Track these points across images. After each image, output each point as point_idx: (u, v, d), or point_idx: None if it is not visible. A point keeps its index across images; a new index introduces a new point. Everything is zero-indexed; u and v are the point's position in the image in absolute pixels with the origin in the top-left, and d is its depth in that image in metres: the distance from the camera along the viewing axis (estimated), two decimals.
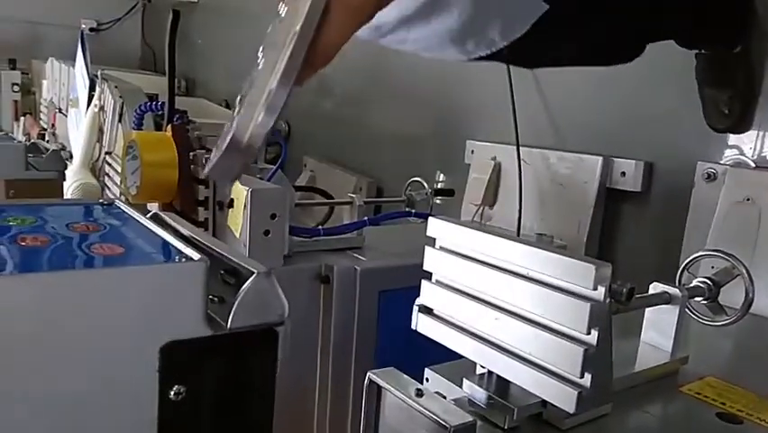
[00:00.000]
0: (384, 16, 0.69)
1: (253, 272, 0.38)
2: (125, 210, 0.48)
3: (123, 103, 1.31)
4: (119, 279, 0.34)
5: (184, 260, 0.37)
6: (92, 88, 1.47)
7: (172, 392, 0.36)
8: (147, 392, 0.35)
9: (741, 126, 1.19)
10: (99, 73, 1.46)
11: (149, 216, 0.46)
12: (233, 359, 0.38)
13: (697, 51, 1.19)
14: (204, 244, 0.42)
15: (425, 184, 1.36)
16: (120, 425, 0.36)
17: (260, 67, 0.41)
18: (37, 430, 0.34)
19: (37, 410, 0.34)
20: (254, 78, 0.42)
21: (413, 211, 1.27)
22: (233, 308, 0.36)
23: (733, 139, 1.20)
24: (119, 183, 1.33)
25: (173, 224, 0.46)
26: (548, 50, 0.90)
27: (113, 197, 1.37)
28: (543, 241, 0.78)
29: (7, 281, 0.32)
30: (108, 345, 0.34)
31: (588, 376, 0.51)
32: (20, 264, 0.35)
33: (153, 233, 0.43)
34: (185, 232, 0.44)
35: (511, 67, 1.59)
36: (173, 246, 0.39)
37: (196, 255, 0.37)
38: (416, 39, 0.75)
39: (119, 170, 1.34)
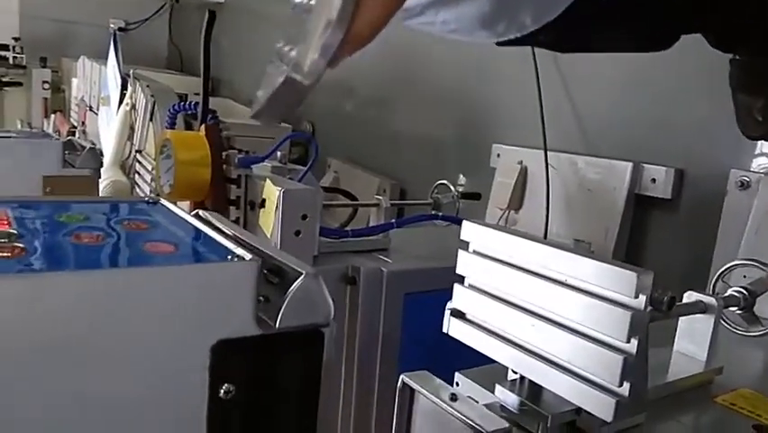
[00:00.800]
0: None
1: (301, 273, 0.38)
2: (171, 208, 0.49)
3: (154, 102, 1.33)
4: (174, 277, 0.35)
5: (236, 259, 0.37)
6: (123, 87, 1.49)
7: (222, 391, 0.36)
8: (197, 391, 0.36)
9: None
10: (131, 72, 1.48)
11: (193, 214, 0.47)
12: (280, 358, 0.38)
13: (731, 57, 1.18)
14: (249, 244, 0.43)
15: (452, 187, 1.36)
16: (170, 423, 0.36)
17: (311, 14, 0.40)
18: (89, 428, 0.35)
19: (91, 408, 0.34)
20: (305, 22, 0.41)
21: (439, 214, 1.27)
22: (282, 308, 0.37)
23: (767, 147, 1.19)
24: (150, 181, 1.35)
25: (217, 223, 0.47)
26: (579, 34, 0.88)
27: (143, 195, 1.38)
28: (581, 247, 0.78)
29: (65, 278, 0.33)
30: (161, 343, 0.35)
31: (626, 385, 0.50)
32: (79, 262, 0.36)
33: (201, 231, 0.43)
34: (230, 231, 0.45)
35: (540, 69, 1.59)
36: (223, 245, 0.40)
37: (247, 255, 0.37)
38: (445, 20, 0.74)
39: (149, 168, 1.36)
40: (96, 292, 0.33)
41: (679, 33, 1.01)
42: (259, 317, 0.38)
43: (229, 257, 0.38)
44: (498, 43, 0.80)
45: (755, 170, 1.16)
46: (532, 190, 1.53)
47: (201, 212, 0.48)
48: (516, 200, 1.55)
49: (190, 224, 0.45)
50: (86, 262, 0.37)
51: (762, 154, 1.19)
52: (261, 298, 0.40)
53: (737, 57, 1.17)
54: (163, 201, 0.51)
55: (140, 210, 0.49)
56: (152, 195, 0.55)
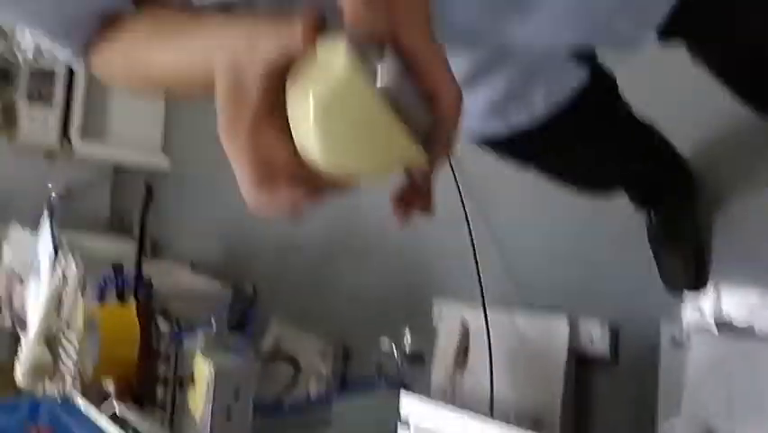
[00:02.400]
0: None
1: None
2: (83, 409, 0.45)
3: (85, 273, 1.29)
4: None
5: None
6: (55, 257, 1.45)
7: None
8: None
9: (697, 286, 1.23)
10: (65, 241, 1.45)
11: (110, 415, 0.43)
12: None
13: (647, 212, 1.27)
14: None
15: (395, 349, 1.34)
16: None
17: None
18: None
19: None
20: None
21: (383, 379, 1.24)
22: None
23: (692, 300, 1.24)
24: (74, 356, 1.27)
25: (134, 423, 0.43)
26: (558, 154, 0.92)
27: (66, 373, 1.29)
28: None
29: None
30: None
31: None
32: None
33: None
34: None
35: (472, 226, 1.65)
36: None
37: None
38: (473, 101, 0.74)
39: (75, 342, 1.28)
40: None
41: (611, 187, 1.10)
42: None
43: None
44: (509, 136, 0.81)
45: (685, 327, 1.20)
46: (475, 349, 1.51)
47: (118, 410, 0.45)
48: (461, 360, 1.53)
49: (100, 430, 0.42)
50: None
51: (689, 308, 1.24)
52: None
53: (652, 214, 1.26)
54: (77, 399, 0.47)
55: (50, 411, 0.45)
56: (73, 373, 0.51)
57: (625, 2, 0.62)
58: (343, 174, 0.37)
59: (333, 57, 0.34)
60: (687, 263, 1.24)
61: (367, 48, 0.34)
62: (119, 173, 3.57)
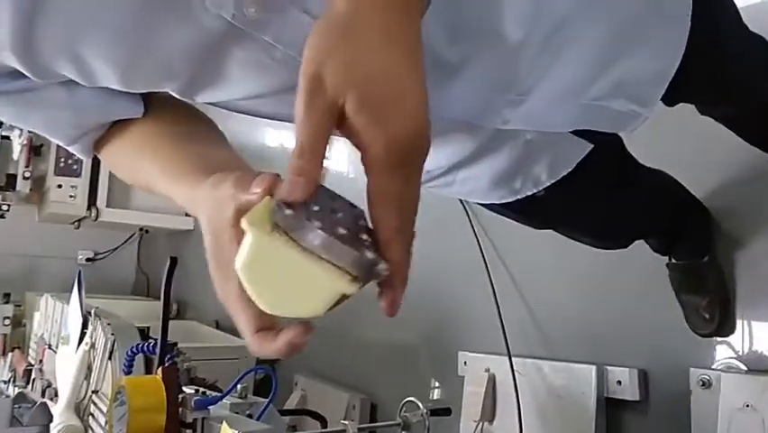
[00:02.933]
0: (437, 161, 0.73)
1: None
2: None
3: (114, 341, 1.32)
4: None
5: None
6: (84, 326, 1.48)
7: None
8: None
9: (724, 329, 1.21)
10: (93, 311, 1.48)
11: None
12: None
13: (667, 261, 1.26)
14: None
15: (420, 404, 1.33)
16: None
17: None
18: None
19: None
20: None
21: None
22: None
23: (721, 342, 1.22)
24: (104, 424, 1.28)
25: None
26: (555, 215, 0.93)
27: None
28: None
29: None
30: None
31: None
32: None
33: None
34: None
35: (493, 276, 1.66)
36: None
37: None
38: (464, 179, 0.77)
39: (104, 409, 1.30)
40: None
41: (630, 240, 1.10)
42: None
43: None
44: (497, 207, 0.84)
45: (715, 368, 1.18)
46: (503, 399, 1.50)
47: None
48: (489, 411, 1.51)
49: None
50: None
51: (718, 350, 1.22)
52: None
53: (674, 260, 1.25)
54: None
55: None
56: None
57: (616, 88, 0.64)
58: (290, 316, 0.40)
59: (256, 219, 0.38)
60: (712, 312, 1.22)
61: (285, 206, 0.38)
62: (144, 236, 3.65)
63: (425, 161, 0.40)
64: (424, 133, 0.39)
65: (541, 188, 0.79)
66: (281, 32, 0.49)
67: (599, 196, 0.92)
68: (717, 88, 0.84)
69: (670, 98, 0.74)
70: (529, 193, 0.80)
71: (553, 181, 0.78)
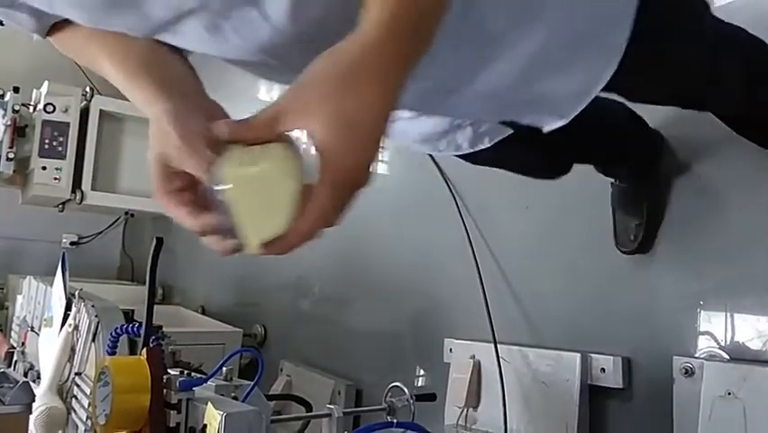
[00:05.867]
0: None
1: None
2: None
3: (98, 323, 1.30)
4: None
5: None
6: (68, 308, 1.47)
7: None
8: None
9: (642, 251, 1.31)
10: (77, 293, 1.47)
11: None
12: None
13: (612, 181, 1.32)
14: None
15: (406, 390, 1.33)
16: None
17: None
18: None
19: None
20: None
21: (395, 421, 1.23)
22: None
23: (704, 328, 1.23)
24: (87, 406, 1.27)
25: None
26: (498, 158, 1.02)
27: (80, 423, 1.30)
28: None
29: None
30: None
31: None
32: None
33: None
34: None
35: (480, 264, 1.66)
36: None
37: None
38: (401, 132, 0.92)
39: (88, 391, 1.29)
40: None
41: (570, 164, 1.14)
42: None
43: None
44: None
45: (697, 357, 1.19)
46: (488, 385, 1.51)
47: None
48: (474, 397, 1.52)
49: None
50: None
51: (701, 337, 1.23)
52: None
53: (617, 182, 1.32)
54: None
55: None
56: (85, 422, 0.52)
57: (536, 100, 0.72)
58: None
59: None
60: (638, 233, 1.30)
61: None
62: (130, 220, 3.62)
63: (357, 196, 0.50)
64: (366, 182, 0.50)
65: (460, 153, 0.93)
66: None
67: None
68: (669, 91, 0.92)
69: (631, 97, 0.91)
70: (452, 153, 0.95)
71: (471, 150, 0.92)
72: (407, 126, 0.91)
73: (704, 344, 1.22)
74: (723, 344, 1.19)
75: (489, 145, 0.92)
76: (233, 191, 0.50)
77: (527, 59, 0.66)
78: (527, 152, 1.02)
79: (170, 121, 0.55)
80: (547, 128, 0.77)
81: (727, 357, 1.16)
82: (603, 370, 1.31)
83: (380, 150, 0.50)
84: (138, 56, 0.62)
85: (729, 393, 1.05)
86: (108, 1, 0.56)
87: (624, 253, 1.33)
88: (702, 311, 1.24)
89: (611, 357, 1.31)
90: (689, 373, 1.15)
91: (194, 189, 0.57)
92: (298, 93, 0.49)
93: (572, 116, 0.74)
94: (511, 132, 0.90)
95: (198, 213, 0.56)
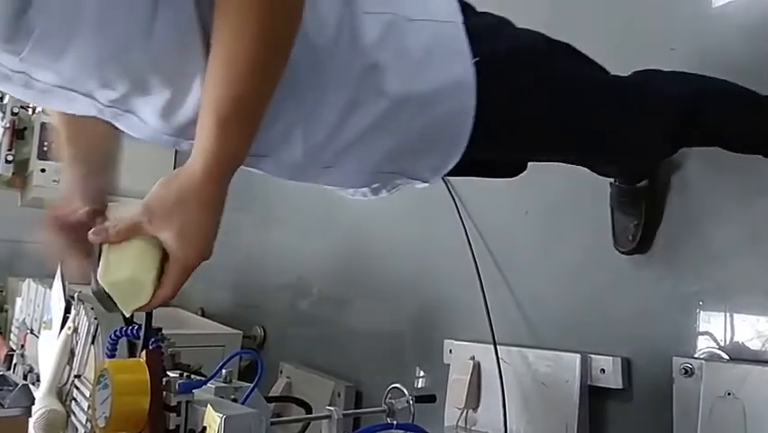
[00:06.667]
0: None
1: None
2: None
3: (98, 325, 1.30)
4: None
5: None
6: (67, 310, 1.47)
7: None
8: None
9: (640, 251, 1.32)
10: (76, 295, 1.47)
11: None
12: None
13: (611, 181, 1.33)
14: None
15: (405, 391, 1.33)
16: None
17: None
18: None
19: None
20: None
21: (395, 423, 1.23)
22: None
23: (704, 328, 1.23)
24: (86, 409, 1.27)
25: None
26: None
27: (79, 426, 1.29)
28: None
29: None
30: None
31: None
32: None
33: None
34: None
35: (480, 264, 1.67)
36: None
37: None
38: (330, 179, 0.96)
39: (87, 394, 1.29)
40: None
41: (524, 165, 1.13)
42: None
43: None
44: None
45: (697, 357, 1.19)
46: (487, 386, 1.51)
47: None
48: (473, 398, 1.52)
49: None
50: None
51: (701, 337, 1.23)
52: None
53: (616, 182, 1.32)
54: None
55: None
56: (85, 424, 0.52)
57: (399, 172, 0.85)
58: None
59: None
60: (636, 234, 1.31)
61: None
62: None
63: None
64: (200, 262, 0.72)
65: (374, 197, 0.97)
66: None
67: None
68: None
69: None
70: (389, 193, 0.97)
71: (384, 195, 0.95)
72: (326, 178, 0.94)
73: (703, 344, 1.22)
74: (722, 344, 1.19)
75: (396, 191, 0.94)
76: (108, 288, 0.72)
77: (382, 153, 0.80)
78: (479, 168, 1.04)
79: (74, 189, 0.89)
80: (420, 186, 0.89)
81: (727, 357, 1.16)
82: (603, 370, 1.31)
83: (212, 247, 0.71)
84: (69, 125, 0.88)
85: (729, 394, 1.05)
86: (45, 98, 0.71)
87: (623, 253, 1.33)
88: (702, 311, 1.24)
89: (611, 358, 1.31)
90: (688, 373, 1.15)
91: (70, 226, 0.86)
92: (150, 208, 0.70)
93: (436, 181, 0.88)
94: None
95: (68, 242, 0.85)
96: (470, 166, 1.07)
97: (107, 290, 0.72)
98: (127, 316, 0.77)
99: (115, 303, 0.73)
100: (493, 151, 0.91)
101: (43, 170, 2.80)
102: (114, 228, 0.72)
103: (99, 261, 0.73)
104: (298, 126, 0.75)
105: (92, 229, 0.73)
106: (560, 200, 1.50)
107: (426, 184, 0.90)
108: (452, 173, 1.09)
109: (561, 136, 0.92)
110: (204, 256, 0.71)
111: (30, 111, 2.87)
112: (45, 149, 2.80)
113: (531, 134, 0.89)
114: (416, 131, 0.79)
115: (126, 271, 0.71)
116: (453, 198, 1.75)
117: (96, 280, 0.72)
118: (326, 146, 0.78)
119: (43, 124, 2.79)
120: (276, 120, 0.72)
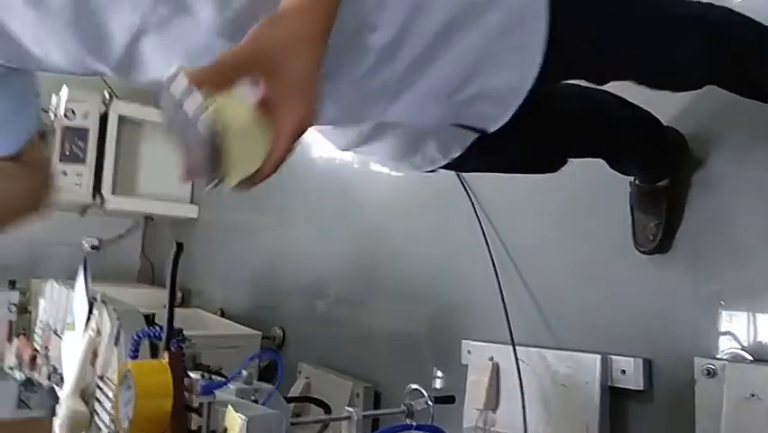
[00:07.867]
0: (344, 139, 0.92)
1: None
2: None
3: (120, 326, 1.32)
4: None
5: None
6: (90, 311, 1.49)
7: None
8: None
9: (661, 250, 1.30)
10: (98, 296, 1.49)
11: None
12: None
13: (630, 180, 1.31)
14: None
15: (424, 392, 1.33)
16: None
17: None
18: None
19: None
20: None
21: (414, 424, 1.23)
22: None
23: (726, 328, 1.21)
24: (110, 409, 1.29)
25: None
26: (483, 161, 1.01)
27: (103, 426, 1.31)
28: None
29: None
30: None
31: None
32: None
33: None
34: None
35: (498, 265, 1.66)
36: None
37: None
38: (377, 152, 0.94)
39: (110, 394, 1.31)
40: None
41: (564, 158, 1.10)
42: None
43: None
44: (422, 171, 0.97)
45: (720, 358, 1.18)
46: (506, 387, 1.50)
47: None
48: (492, 399, 1.51)
49: None
50: None
51: (723, 336, 1.22)
52: None
53: (635, 181, 1.31)
54: None
55: None
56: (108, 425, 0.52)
57: (477, 95, 0.76)
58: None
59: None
60: (657, 233, 1.29)
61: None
62: (149, 223, 3.66)
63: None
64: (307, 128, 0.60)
65: (438, 166, 0.93)
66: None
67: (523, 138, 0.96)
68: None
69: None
70: (430, 169, 0.94)
71: (447, 161, 0.91)
72: (372, 149, 0.92)
73: (726, 344, 1.20)
74: (746, 344, 1.17)
75: (462, 152, 0.90)
76: (227, 134, 0.55)
77: (458, 61, 0.73)
78: (512, 150, 1.00)
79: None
80: (493, 128, 0.81)
81: (751, 358, 1.14)
82: (623, 372, 1.30)
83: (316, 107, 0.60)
84: None
85: (753, 395, 1.04)
86: (83, 49, 0.66)
87: (643, 252, 1.32)
88: (723, 311, 1.22)
89: (631, 359, 1.30)
90: (711, 374, 1.13)
91: None
92: (245, 44, 0.58)
93: (513, 110, 0.78)
94: (478, 135, 0.88)
95: None
96: (512, 161, 1.07)
97: (225, 140, 0.55)
98: (232, 186, 0.58)
99: (221, 163, 0.56)
100: (565, 70, 0.83)
101: (65, 173, 2.84)
102: (214, 66, 0.57)
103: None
104: (371, 17, 0.67)
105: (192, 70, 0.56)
106: (578, 200, 1.49)
107: (498, 124, 0.81)
108: (491, 166, 1.09)
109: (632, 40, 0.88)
110: (310, 115, 0.60)
111: (51, 114, 2.91)
112: (67, 152, 2.84)
113: (601, 39, 0.84)
114: (492, 28, 0.72)
115: (244, 119, 0.57)
116: (470, 198, 1.75)
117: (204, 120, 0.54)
118: (401, 48, 0.69)
119: (65, 128, 2.83)
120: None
